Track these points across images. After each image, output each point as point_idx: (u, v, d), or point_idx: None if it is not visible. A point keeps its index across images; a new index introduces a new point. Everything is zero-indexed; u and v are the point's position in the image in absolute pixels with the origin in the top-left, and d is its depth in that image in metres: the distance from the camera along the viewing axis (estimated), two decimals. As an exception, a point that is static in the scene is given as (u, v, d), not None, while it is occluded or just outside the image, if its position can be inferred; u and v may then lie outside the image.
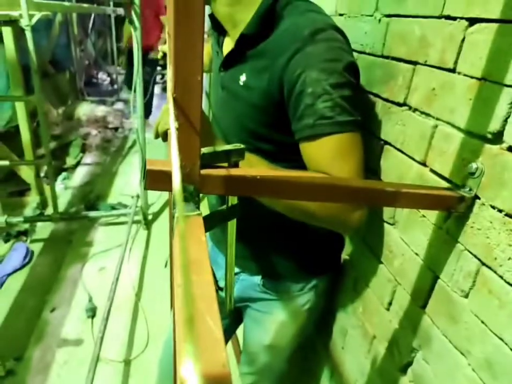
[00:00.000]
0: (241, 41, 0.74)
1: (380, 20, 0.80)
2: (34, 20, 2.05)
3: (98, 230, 2.79)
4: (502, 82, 0.50)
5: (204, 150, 0.40)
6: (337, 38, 0.68)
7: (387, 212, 0.77)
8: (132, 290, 2.23)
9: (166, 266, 2.46)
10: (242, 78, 0.75)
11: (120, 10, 5.28)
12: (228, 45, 0.83)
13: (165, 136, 0.67)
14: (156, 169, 0.41)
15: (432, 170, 0.64)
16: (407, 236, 0.71)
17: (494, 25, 0.52)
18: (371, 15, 0.84)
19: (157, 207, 3.09)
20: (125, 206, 2.96)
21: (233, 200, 0.47)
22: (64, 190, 3.30)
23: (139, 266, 2.45)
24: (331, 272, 0.95)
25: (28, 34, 2.07)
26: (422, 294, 0.66)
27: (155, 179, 0.41)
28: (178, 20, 0.32)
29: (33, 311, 2.04)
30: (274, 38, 0.71)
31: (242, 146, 0.44)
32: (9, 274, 2.30)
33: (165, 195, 3.29)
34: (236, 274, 0.95)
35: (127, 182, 3.47)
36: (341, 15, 0.99)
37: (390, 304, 0.77)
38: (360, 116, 0.67)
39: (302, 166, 0.69)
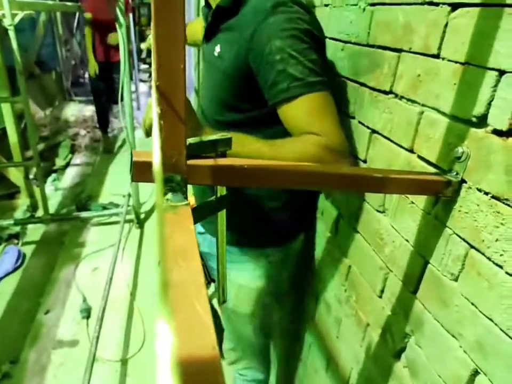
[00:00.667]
0: (216, 13, 0.84)
1: (364, 9, 0.81)
2: (17, 19, 2.02)
3: (90, 231, 2.77)
4: (485, 66, 0.51)
5: (190, 140, 0.40)
6: (296, 10, 0.75)
7: (377, 200, 0.78)
8: (126, 290, 2.22)
9: (159, 265, 2.45)
10: (217, 49, 0.83)
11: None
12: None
13: (152, 131, 0.66)
14: (142, 160, 0.41)
15: (420, 157, 0.65)
16: (397, 223, 0.71)
17: (476, 9, 0.53)
18: (355, 4, 0.84)
19: (149, 205, 3.08)
20: (117, 206, 2.94)
21: (222, 190, 0.47)
22: (55, 191, 3.26)
23: (133, 265, 2.44)
24: (284, 244, 1.03)
25: (11, 34, 2.04)
26: (413, 279, 0.67)
27: (141, 170, 0.41)
28: (159, 8, 0.31)
29: (27, 314, 2.02)
30: (242, 13, 0.79)
31: (229, 135, 0.44)
32: (1, 278, 2.28)
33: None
34: (201, 233, 1.06)
35: (117, 182, 3.45)
36: (326, 5, 0.99)
37: (382, 291, 0.77)
38: (326, 77, 0.74)
39: (274, 135, 0.72)
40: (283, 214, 0.98)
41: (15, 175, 2.95)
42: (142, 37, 8.02)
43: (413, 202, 0.66)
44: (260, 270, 1.01)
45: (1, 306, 2.06)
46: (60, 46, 5.47)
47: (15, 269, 2.37)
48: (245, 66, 0.76)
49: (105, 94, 4.03)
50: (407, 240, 0.68)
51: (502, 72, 0.49)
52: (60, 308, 2.07)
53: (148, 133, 0.67)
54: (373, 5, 0.78)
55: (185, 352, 0.21)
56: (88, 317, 2.01)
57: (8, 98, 2.60)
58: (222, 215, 0.50)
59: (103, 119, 4.23)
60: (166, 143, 0.36)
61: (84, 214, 2.78)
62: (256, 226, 0.98)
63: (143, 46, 2.57)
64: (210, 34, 0.90)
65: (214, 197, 0.48)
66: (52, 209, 2.76)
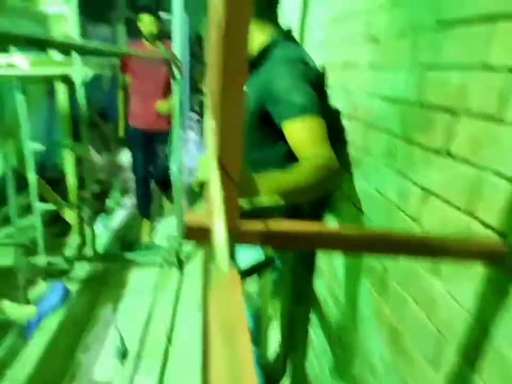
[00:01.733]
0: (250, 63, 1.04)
1: (415, 70, 0.81)
2: (88, 78, 2.22)
3: (133, 271, 2.83)
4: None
5: (244, 205, 0.41)
6: (298, 65, 1.01)
7: (430, 263, 0.73)
8: (163, 334, 2.20)
9: (198, 309, 2.43)
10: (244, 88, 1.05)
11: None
12: None
13: (201, 187, 0.70)
14: (195, 224, 0.41)
15: (480, 221, 0.61)
16: (454, 289, 0.66)
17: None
18: (406, 66, 0.85)
19: (190, 248, 3.11)
20: (160, 248, 3.00)
21: (269, 252, 0.47)
22: (103, 231, 3.41)
23: (171, 308, 2.44)
24: None
25: (81, 91, 2.24)
26: (472, 352, 0.61)
27: (194, 232, 0.41)
28: (222, 97, 0.33)
29: (67, 352, 2.05)
30: (265, 65, 1.06)
31: (282, 202, 0.44)
32: (47, 314, 2.35)
33: (198, 237, 3.32)
34: None
35: (162, 224, 3.55)
36: (373, 65, 1.01)
37: (436, 363, 0.71)
38: (320, 108, 0.96)
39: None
40: None
41: (69, 214, 3.13)
42: (196, 88, 8.59)
43: (471, 267, 0.62)
44: None
45: (44, 342, 2.11)
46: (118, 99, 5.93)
47: (59, 306, 2.45)
48: (260, 103, 1.02)
49: (146, 174, 3.18)
50: (463, 307, 0.63)
51: None
52: (98, 347, 2.08)
53: (199, 189, 0.72)
54: (424, 65, 0.78)
55: None
56: (124, 359, 2.00)
57: (71, 146, 2.82)
58: (266, 276, 0.49)
59: (143, 206, 3.23)
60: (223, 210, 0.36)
61: (128, 255, 2.86)
62: None
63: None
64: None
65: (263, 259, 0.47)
66: (99, 248, 2.87)
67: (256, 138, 1.09)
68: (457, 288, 0.66)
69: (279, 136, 1.00)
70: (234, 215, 0.36)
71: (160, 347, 2.10)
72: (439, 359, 0.70)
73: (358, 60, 1.11)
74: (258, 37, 1.10)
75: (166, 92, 2.93)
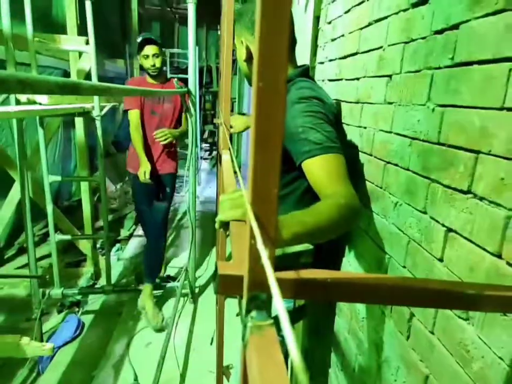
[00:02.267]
0: None
1: (433, 110, 0.82)
2: (104, 111, 2.29)
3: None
4: None
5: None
6: (314, 101, 1.00)
7: (458, 304, 0.72)
8: (176, 370, 2.15)
9: (211, 343, 2.38)
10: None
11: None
12: None
13: (225, 226, 0.69)
14: (228, 274, 0.41)
15: (510, 264, 0.60)
16: (486, 335, 0.64)
17: None
18: (423, 105, 0.86)
19: (204, 280, 3.09)
20: (173, 279, 2.99)
21: (300, 301, 0.46)
22: (117, 261, 3.41)
23: (185, 342, 2.40)
24: None
25: (98, 124, 2.31)
26: (512, 406, 0.58)
27: (227, 284, 0.41)
28: (258, 143, 0.34)
29: (81, 389, 2.01)
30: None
31: (311, 247, 0.44)
32: (60, 347, 2.33)
33: (211, 266, 3.30)
34: None
35: (176, 254, 3.54)
36: (390, 103, 1.02)
37: None
38: (339, 144, 0.94)
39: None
40: None
41: (83, 244, 3.16)
42: (205, 120, 8.84)
43: (505, 314, 0.60)
44: None
45: (57, 376, 2.08)
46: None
47: (73, 338, 2.43)
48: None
49: (154, 226, 2.75)
50: (500, 358, 0.61)
51: None
52: (112, 383, 2.04)
53: (221, 227, 0.70)
54: (442, 106, 0.79)
55: None
56: (137, 397, 1.95)
57: (88, 178, 2.88)
58: (298, 328, 0.48)
59: (151, 268, 2.76)
60: (253, 260, 0.36)
61: (142, 286, 2.84)
62: None
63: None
64: None
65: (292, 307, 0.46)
66: (113, 278, 2.86)
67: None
68: (491, 335, 0.64)
69: (298, 173, 0.99)
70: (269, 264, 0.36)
71: (174, 383, 2.05)
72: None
73: (373, 95, 1.13)
74: None
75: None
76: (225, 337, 1.84)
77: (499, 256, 0.62)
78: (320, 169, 0.90)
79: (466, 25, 0.73)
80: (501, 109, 0.63)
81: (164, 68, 2.80)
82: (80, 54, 2.19)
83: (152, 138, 2.54)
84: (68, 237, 2.62)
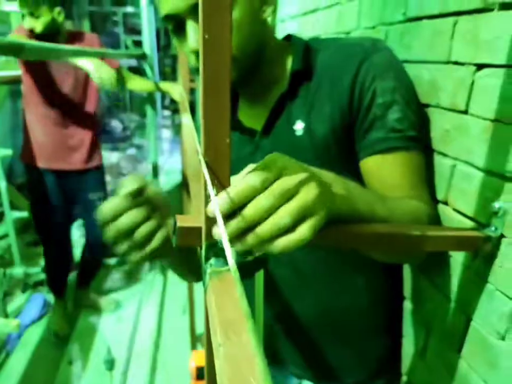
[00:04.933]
0: (294, 80, 0.68)
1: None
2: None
3: (115, 278, 2.79)
4: (516, 123, 0.51)
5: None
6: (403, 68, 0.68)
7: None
8: (149, 340, 2.19)
9: (184, 313, 2.42)
10: (299, 126, 0.68)
11: (133, 62, 5.56)
12: (250, 116, 0.75)
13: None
14: (186, 226, 0.42)
15: (455, 210, 0.64)
16: (438, 279, 0.70)
17: (501, 70, 0.54)
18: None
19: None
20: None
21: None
22: (81, 237, 3.33)
23: (157, 313, 2.42)
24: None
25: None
26: (456, 337, 0.64)
27: (185, 235, 0.42)
28: (207, 94, 0.34)
29: (52, 364, 2.01)
30: (321, 67, 0.68)
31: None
32: (27, 326, 2.30)
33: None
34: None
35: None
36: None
37: (424, 350, 0.74)
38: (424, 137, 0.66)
39: None
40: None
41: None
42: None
43: (451, 256, 0.65)
44: None
45: (27, 355, 2.06)
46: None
47: (40, 317, 2.39)
48: (342, 118, 0.65)
49: (63, 232, 2.23)
50: (447, 296, 0.66)
51: (535, 130, 0.49)
52: (84, 358, 2.05)
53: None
54: (396, 62, 0.81)
55: None
56: (112, 368, 1.97)
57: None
58: (259, 278, 0.50)
59: (56, 279, 2.30)
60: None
61: (109, 261, 2.81)
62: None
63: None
64: (273, 121, 0.70)
65: (251, 257, 0.47)
66: (77, 255, 2.81)
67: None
68: (440, 278, 0.69)
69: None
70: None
71: (148, 354, 2.09)
72: (426, 345, 0.74)
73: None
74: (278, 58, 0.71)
75: (94, 105, 2.04)
76: (197, 305, 1.88)
77: (445, 203, 0.67)
78: (399, 170, 0.63)
79: (416, -21, 0.74)
80: (447, 62, 0.65)
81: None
82: (23, 15, 2.01)
83: (62, 120, 1.93)
84: (24, 213, 2.52)
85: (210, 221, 0.38)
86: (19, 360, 2.02)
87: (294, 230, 0.36)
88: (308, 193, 0.37)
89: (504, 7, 0.54)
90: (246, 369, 0.26)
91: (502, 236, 0.54)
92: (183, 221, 0.42)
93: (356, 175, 0.65)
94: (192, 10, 0.58)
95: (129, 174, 4.96)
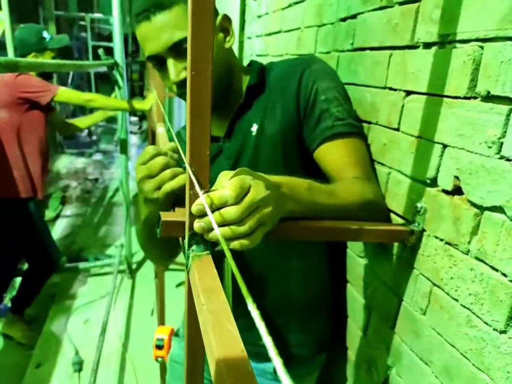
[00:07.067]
0: (250, 93, 0.83)
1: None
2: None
3: (81, 282, 2.79)
4: (433, 140, 0.65)
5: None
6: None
7: (358, 247, 0.90)
8: (118, 341, 2.22)
9: (152, 314, 2.47)
10: (254, 128, 0.81)
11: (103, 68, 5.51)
12: (215, 126, 0.84)
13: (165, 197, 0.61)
14: (170, 220, 0.52)
15: (389, 209, 0.78)
16: (376, 266, 0.83)
17: (424, 97, 0.68)
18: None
19: (141, 255, 3.12)
20: (109, 256, 2.98)
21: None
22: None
23: (125, 316, 2.45)
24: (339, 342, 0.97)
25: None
26: (391, 316, 0.77)
27: (168, 228, 0.52)
28: (193, 117, 0.45)
29: (17, 368, 2.00)
30: (273, 81, 0.84)
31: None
32: (-11, 333, 2.26)
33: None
34: None
35: (109, 233, 3.50)
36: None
37: (366, 328, 0.87)
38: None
39: None
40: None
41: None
42: (133, 92, 8.40)
43: (386, 248, 0.78)
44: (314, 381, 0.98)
45: (-11, 362, 2.04)
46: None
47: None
48: (293, 117, 0.79)
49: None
50: (383, 282, 0.80)
51: (445, 146, 0.63)
52: (52, 361, 2.05)
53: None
54: (346, 83, 0.94)
55: (221, 354, 0.32)
56: (80, 370, 1.99)
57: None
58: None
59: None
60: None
61: (75, 265, 2.81)
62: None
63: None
64: (233, 125, 0.84)
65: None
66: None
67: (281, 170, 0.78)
68: (378, 266, 0.83)
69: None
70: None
71: (116, 355, 2.12)
72: (368, 324, 0.87)
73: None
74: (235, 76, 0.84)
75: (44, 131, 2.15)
76: (166, 307, 1.94)
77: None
78: (345, 154, 0.76)
79: (361, 16, 0.88)
80: (384, 87, 0.79)
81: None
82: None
83: None
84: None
85: (193, 217, 0.48)
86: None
87: (249, 235, 0.49)
88: (265, 209, 0.50)
89: (426, 46, 0.69)
90: (223, 319, 0.37)
91: (423, 230, 0.68)
92: (165, 216, 0.52)
93: (310, 166, 0.79)
94: (171, 50, 0.72)
95: (95, 179, 4.91)
